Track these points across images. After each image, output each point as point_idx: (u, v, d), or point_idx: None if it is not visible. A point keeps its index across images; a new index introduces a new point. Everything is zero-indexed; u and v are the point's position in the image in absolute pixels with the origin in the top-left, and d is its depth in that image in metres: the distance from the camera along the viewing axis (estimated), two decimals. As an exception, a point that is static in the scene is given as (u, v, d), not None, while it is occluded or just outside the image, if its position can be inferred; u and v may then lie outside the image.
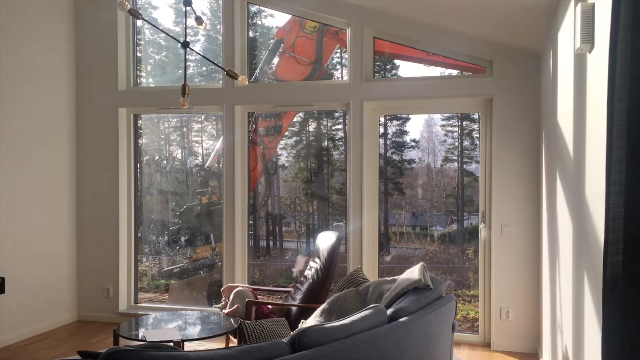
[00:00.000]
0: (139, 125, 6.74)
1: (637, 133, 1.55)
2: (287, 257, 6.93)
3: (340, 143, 6.76)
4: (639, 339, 1.50)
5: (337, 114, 6.77)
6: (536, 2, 3.87)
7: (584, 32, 2.36)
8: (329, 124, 7.24)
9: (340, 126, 6.88)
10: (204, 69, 7.12)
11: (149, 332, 4.03)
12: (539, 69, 5.14)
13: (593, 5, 2.35)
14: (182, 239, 6.94)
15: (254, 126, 6.67)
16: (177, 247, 6.99)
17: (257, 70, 6.48)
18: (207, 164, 6.93)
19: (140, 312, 6.08)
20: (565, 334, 3.29)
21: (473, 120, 6.14)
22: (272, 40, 6.52)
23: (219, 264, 6.56)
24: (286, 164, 7.41)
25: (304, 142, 7.33)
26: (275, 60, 6.56)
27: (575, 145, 2.89)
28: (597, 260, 2.22)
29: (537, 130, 5.19)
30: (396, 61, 6.37)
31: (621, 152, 1.59)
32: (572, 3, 2.91)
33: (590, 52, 2.43)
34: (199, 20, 3.60)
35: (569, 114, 3.11)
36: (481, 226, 5.48)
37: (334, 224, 6.89)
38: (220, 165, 6.36)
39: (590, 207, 2.41)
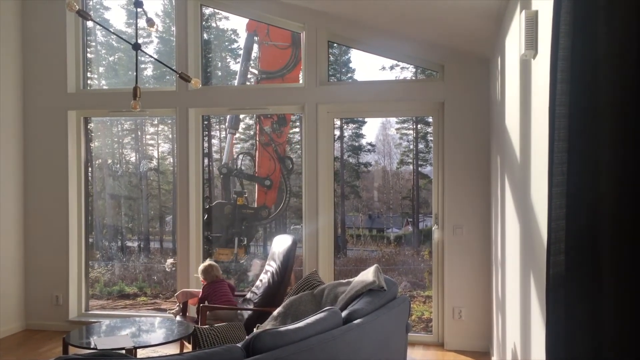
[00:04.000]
0: (90, 128, 6.58)
1: (578, 137, 1.60)
2: (242, 261, 6.88)
3: (298, 146, 6.76)
4: (580, 335, 1.55)
5: (294, 117, 6.77)
6: (485, 9, 3.97)
7: (528, 38, 2.43)
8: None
9: (297, 129, 6.89)
10: (158, 71, 7.02)
11: (100, 340, 3.93)
12: (488, 74, 5.27)
13: (536, 12, 2.43)
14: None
15: (258, 127, 6.54)
16: None
17: (241, 68, 6.40)
18: (224, 160, 6.72)
19: (91, 320, 5.92)
20: (513, 331, 3.37)
21: (427, 123, 6.25)
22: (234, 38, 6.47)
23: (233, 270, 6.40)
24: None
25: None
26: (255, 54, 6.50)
27: (522, 148, 2.98)
28: (541, 259, 2.29)
29: (487, 134, 5.32)
30: (352, 65, 6.42)
31: (563, 155, 1.64)
32: (518, 10, 3.00)
33: (534, 58, 2.51)
34: (150, 22, 3.55)
35: (516, 118, 3.20)
36: (434, 228, 5.57)
37: (291, 227, 6.89)
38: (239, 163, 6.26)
39: (535, 208, 2.49)
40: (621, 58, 1.42)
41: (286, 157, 6.67)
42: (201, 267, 5.08)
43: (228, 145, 6.72)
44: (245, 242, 6.72)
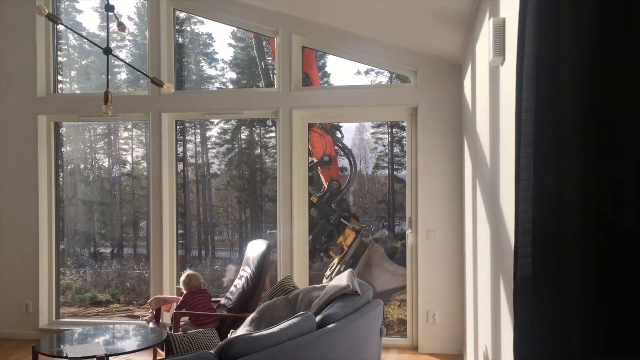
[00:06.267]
0: (62, 132, 6.48)
1: (543, 142, 1.63)
2: (217, 267, 6.84)
3: (274, 151, 6.75)
4: (546, 336, 1.57)
5: (269, 122, 6.77)
6: (455, 15, 4.03)
7: (496, 45, 2.48)
8: (262, 131, 7.23)
9: (273, 134, 6.88)
10: (131, 75, 6.95)
11: (70, 348, 3.86)
12: (460, 79, 5.34)
13: (504, 20, 2.47)
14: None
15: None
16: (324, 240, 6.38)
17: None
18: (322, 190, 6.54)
19: (62, 328, 5.82)
20: (485, 334, 3.42)
21: (402, 128, 6.29)
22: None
23: (369, 242, 6.18)
24: (218, 172, 7.33)
25: (237, 150, 7.29)
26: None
27: (491, 153, 3.03)
28: (510, 263, 2.33)
29: (459, 138, 5.38)
30: (327, 69, 6.45)
31: (528, 160, 1.67)
32: (487, 17, 3.05)
33: (502, 64, 2.56)
34: (121, 26, 3.52)
35: (486, 123, 3.25)
36: (408, 231, 5.61)
37: (267, 232, 6.87)
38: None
39: (504, 212, 2.53)
40: (585, 64, 1.45)
41: (332, 127, 6.53)
42: (182, 278, 5.02)
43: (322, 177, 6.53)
44: (350, 215, 6.53)
